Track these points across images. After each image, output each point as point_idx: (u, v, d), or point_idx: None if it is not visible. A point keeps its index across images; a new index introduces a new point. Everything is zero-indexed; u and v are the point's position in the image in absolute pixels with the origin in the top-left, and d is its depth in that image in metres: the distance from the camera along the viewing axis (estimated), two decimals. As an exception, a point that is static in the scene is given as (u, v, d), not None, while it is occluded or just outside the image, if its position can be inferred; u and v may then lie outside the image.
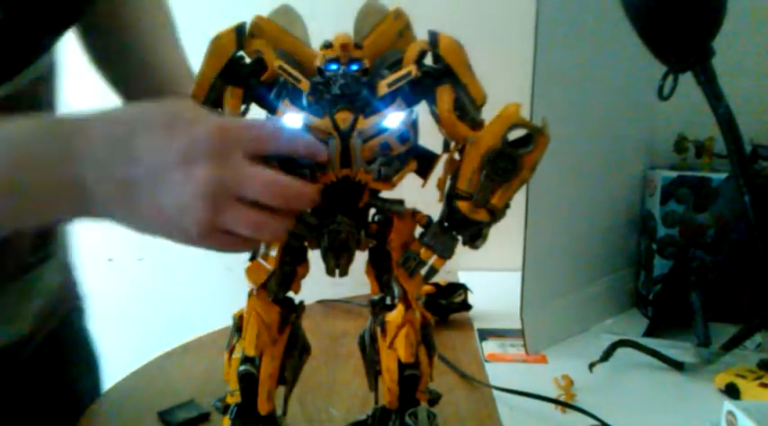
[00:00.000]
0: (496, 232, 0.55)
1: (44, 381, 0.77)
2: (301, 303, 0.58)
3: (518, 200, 0.56)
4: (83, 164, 0.46)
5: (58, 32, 0.65)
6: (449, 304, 1.01)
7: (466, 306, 1.02)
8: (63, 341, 0.80)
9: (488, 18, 1.22)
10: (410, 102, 0.53)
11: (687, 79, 0.69)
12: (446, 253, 0.54)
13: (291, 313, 0.57)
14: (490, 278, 1.17)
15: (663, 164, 1.04)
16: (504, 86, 0.95)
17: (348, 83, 0.50)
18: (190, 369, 0.83)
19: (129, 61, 0.77)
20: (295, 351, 0.58)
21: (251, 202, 0.46)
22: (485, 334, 0.96)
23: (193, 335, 0.93)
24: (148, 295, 1.01)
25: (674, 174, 0.98)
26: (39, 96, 0.67)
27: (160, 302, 1.29)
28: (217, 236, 0.47)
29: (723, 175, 0.96)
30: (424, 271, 0.55)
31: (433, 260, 0.54)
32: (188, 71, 0.80)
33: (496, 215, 0.53)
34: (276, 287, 0.56)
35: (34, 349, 0.74)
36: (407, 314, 0.55)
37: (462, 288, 1.03)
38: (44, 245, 0.75)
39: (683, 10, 0.67)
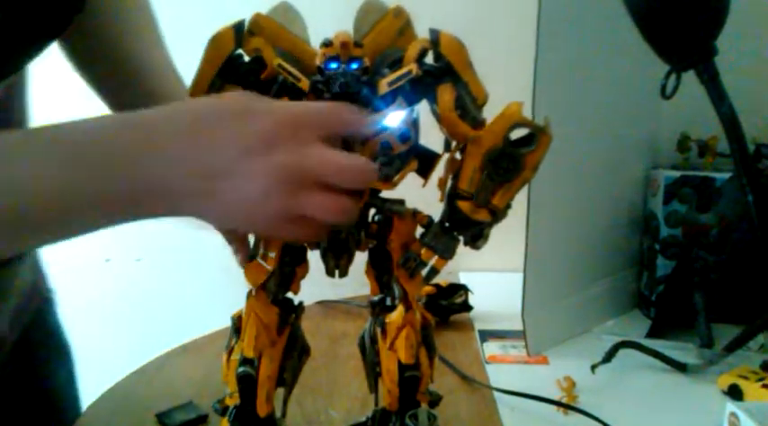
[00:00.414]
0: (498, 232, 0.55)
1: (22, 378, 0.77)
2: (300, 304, 0.58)
3: (519, 200, 0.56)
4: (155, 162, 0.45)
5: (51, 37, 0.65)
6: (449, 305, 1.01)
7: (467, 307, 1.02)
8: (36, 335, 0.80)
9: (490, 16, 1.22)
10: (411, 101, 0.52)
11: (690, 78, 0.69)
12: (447, 254, 0.54)
13: (291, 314, 0.57)
14: (491, 278, 1.16)
15: (665, 164, 1.04)
16: (505, 85, 0.95)
17: (348, 81, 0.50)
18: (188, 371, 0.83)
19: (113, 64, 0.77)
20: (294, 353, 0.58)
21: (326, 186, 0.46)
22: (486, 335, 0.96)
23: (192, 336, 0.93)
24: (146, 296, 1.01)
25: (677, 174, 0.98)
26: (11, 102, 0.67)
27: (158, 303, 1.28)
28: (295, 225, 0.47)
29: (726, 175, 0.96)
30: (424, 272, 0.55)
31: (433, 260, 0.54)
32: (173, 70, 0.80)
33: (498, 215, 0.52)
34: (275, 287, 0.55)
35: (11, 347, 0.74)
36: (408, 315, 0.54)
37: (463, 288, 1.03)
38: None
39: (685, 9, 0.67)
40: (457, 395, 0.77)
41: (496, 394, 0.77)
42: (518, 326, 0.88)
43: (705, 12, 0.67)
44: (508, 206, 0.53)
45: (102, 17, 0.74)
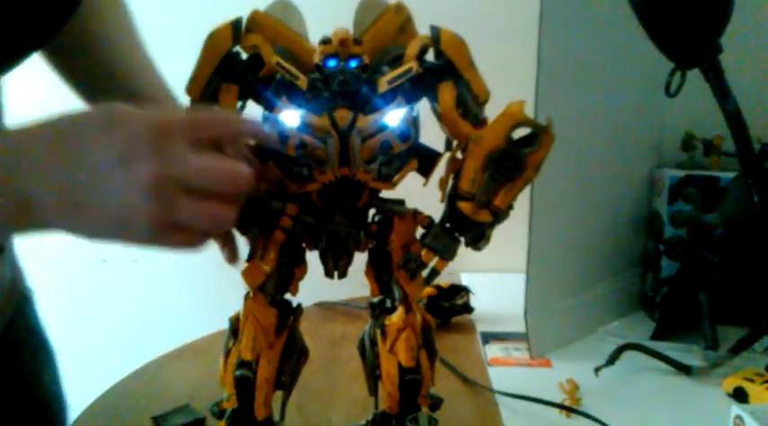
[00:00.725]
0: (499, 233, 0.54)
1: (7, 376, 0.76)
2: (299, 305, 0.57)
3: (522, 201, 0.56)
4: (25, 175, 0.45)
5: (36, 47, 0.64)
6: (451, 306, 1.01)
7: (468, 309, 1.02)
8: (19, 333, 0.79)
9: (491, 14, 1.21)
10: (411, 99, 0.52)
11: (695, 76, 0.69)
12: (448, 255, 0.53)
13: (289, 316, 0.56)
14: (493, 280, 1.16)
15: (670, 163, 1.03)
16: (507, 84, 0.94)
17: (347, 79, 0.50)
18: (185, 373, 0.83)
19: (94, 66, 0.77)
20: (293, 355, 0.57)
21: (198, 193, 0.45)
22: (487, 338, 0.95)
23: (189, 339, 0.92)
24: (143, 297, 1.00)
25: (681, 173, 0.98)
26: None
27: (155, 304, 1.28)
28: (170, 234, 0.46)
29: (732, 174, 0.95)
30: (425, 273, 0.54)
31: (434, 261, 0.53)
32: (154, 70, 0.80)
33: (500, 215, 0.52)
34: (273, 289, 0.55)
35: None
36: (408, 317, 0.54)
37: (464, 290, 1.02)
38: None
39: (690, 6, 0.66)
40: (458, 398, 0.77)
41: (498, 397, 0.77)
42: (520, 328, 0.88)
43: (709, 9, 0.67)
44: (510, 206, 0.52)
45: (81, 19, 0.74)
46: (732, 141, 0.70)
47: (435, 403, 0.58)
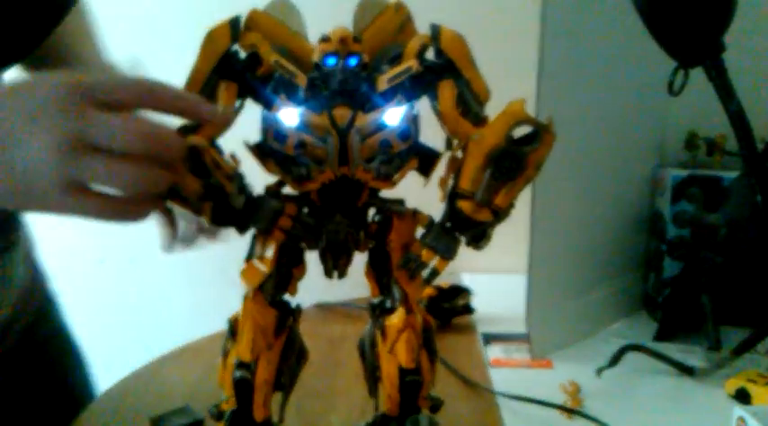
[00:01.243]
0: (501, 233, 0.54)
1: (31, 375, 0.77)
2: (298, 306, 0.57)
3: (523, 201, 0.56)
4: None
5: (19, 58, 0.65)
6: (451, 307, 1.01)
7: (469, 310, 1.02)
8: (42, 335, 0.80)
9: (493, 12, 1.21)
10: (411, 98, 0.51)
11: (698, 74, 0.69)
12: (448, 255, 0.53)
13: (288, 316, 0.56)
14: (494, 280, 1.16)
15: (673, 162, 1.03)
16: (508, 82, 0.94)
17: (346, 78, 0.50)
18: (184, 375, 0.82)
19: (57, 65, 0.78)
20: (292, 356, 0.57)
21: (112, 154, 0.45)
22: (489, 339, 0.95)
23: (187, 340, 0.92)
24: (141, 297, 1.00)
25: (684, 173, 0.98)
26: None
27: (153, 305, 1.28)
28: (79, 196, 0.45)
29: (735, 174, 0.95)
30: (425, 274, 0.54)
31: (434, 261, 0.53)
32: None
33: (500, 215, 0.51)
34: (272, 289, 0.54)
35: (15, 342, 0.74)
36: (408, 317, 0.53)
37: (465, 290, 1.02)
38: (5, 233, 0.74)
39: (693, 4, 0.66)
40: (459, 400, 0.77)
41: (500, 398, 0.77)
42: (522, 329, 0.88)
43: (712, 7, 0.67)
44: (511, 205, 0.52)
45: (56, 51, 0.76)
46: (735, 140, 0.70)
47: (436, 405, 0.58)
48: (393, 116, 0.50)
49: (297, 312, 0.57)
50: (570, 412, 0.73)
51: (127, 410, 0.73)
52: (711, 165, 1.01)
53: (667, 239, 0.99)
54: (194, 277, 1.29)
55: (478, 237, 0.53)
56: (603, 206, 0.98)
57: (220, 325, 0.85)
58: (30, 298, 0.78)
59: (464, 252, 0.54)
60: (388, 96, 0.50)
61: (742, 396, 0.76)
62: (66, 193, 0.45)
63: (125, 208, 0.48)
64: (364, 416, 0.60)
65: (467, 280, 1.09)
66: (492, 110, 0.52)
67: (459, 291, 1.02)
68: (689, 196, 0.97)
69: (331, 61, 0.50)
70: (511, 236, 0.68)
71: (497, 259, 1.11)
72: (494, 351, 0.91)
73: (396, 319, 0.54)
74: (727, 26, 0.68)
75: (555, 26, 0.79)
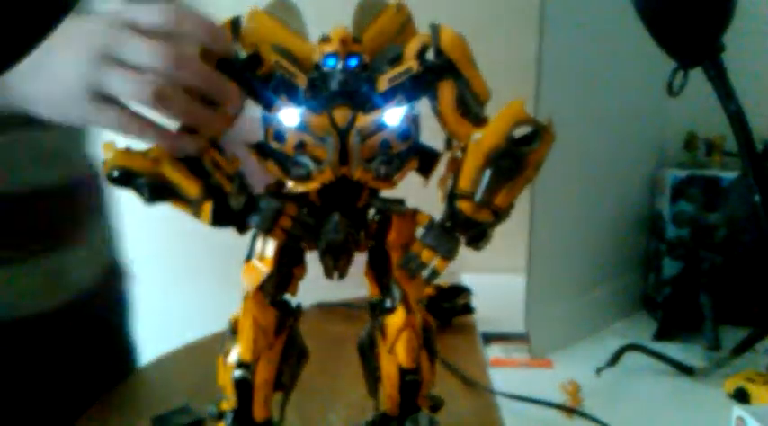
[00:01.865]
0: (500, 233, 0.54)
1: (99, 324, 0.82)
2: (299, 306, 0.57)
3: (522, 201, 0.56)
4: None
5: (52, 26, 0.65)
6: (451, 307, 1.00)
7: (469, 310, 1.01)
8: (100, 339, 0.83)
9: (492, 13, 1.21)
10: (411, 98, 0.51)
11: (698, 75, 0.69)
12: (448, 255, 0.53)
13: (288, 316, 0.56)
14: (494, 280, 1.15)
15: (672, 163, 1.03)
16: (508, 83, 0.94)
17: (347, 78, 0.50)
18: (184, 374, 0.83)
19: None
20: (293, 356, 0.57)
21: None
22: (488, 338, 0.96)
23: (187, 340, 0.92)
24: (141, 298, 1.00)
25: (684, 173, 0.98)
26: None
27: (153, 305, 1.28)
28: (103, 106, 0.51)
29: (734, 174, 0.96)
30: (425, 274, 0.53)
31: (434, 262, 0.53)
32: None
33: (500, 215, 0.51)
34: (273, 289, 0.54)
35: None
36: (408, 317, 0.53)
37: (465, 290, 1.02)
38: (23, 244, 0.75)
39: (693, 5, 0.66)
40: (459, 400, 0.76)
41: (500, 398, 0.77)
42: (521, 329, 0.89)
43: (712, 8, 0.67)
44: (511, 205, 0.52)
45: None
46: (734, 141, 0.70)
47: (436, 405, 0.58)
48: (393, 116, 0.50)
49: (297, 312, 0.57)
50: (570, 411, 0.73)
51: (128, 409, 0.74)
52: (710, 166, 1.01)
53: (667, 239, 0.99)
54: (194, 278, 1.30)
55: (478, 237, 0.53)
56: (603, 206, 0.98)
57: (220, 326, 0.85)
58: (94, 298, 0.79)
59: (464, 253, 0.54)
60: (389, 97, 0.50)
61: (741, 396, 0.76)
62: (92, 102, 0.50)
63: (146, 128, 0.52)
64: (364, 415, 0.60)
65: (467, 280, 1.08)
66: (491, 110, 0.52)
67: (459, 291, 1.01)
68: (688, 196, 0.97)
69: (331, 62, 0.50)
70: (511, 236, 0.68)
71: (497, 259, 1.11)
72: (493, 351, 0.91)
73: (396, 319, 0.54)
74: (727, 27, 0.68)
75: (554, 27, 0.79)
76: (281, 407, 0.57)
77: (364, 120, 0.49)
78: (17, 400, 0.71)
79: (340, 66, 0.50)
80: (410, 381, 0.54)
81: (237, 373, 0.54)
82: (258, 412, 0.54)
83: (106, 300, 0.83)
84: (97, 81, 0.50)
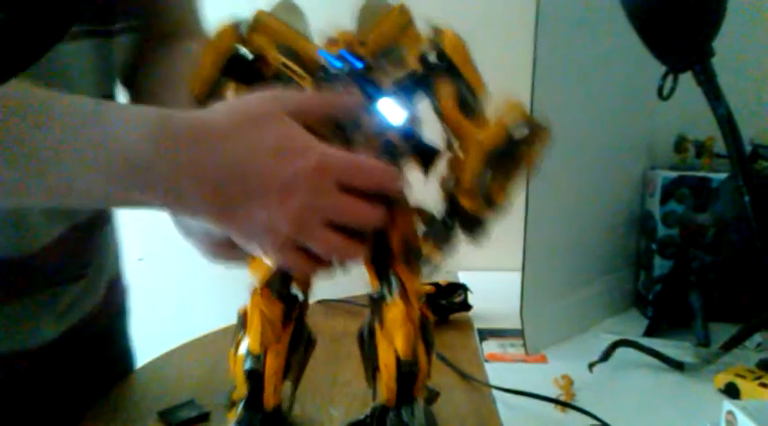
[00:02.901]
0: (497, 232, 0.55)
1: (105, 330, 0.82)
2: (306, 298, 0.58)
3: (517, 201, 0.56)
4: (178, 167, 0.48)
5: (60, 34, 0.65)
6: (449, 304, 1.01)
7: (466, 306, 1.02)
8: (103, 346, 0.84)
9: (488, 16, 1.22)
10: (413, 99, 0.53)
11: (687, 79, 0.70)
12: (448, 249, 0.54)
13: (295, 308, 0.57)
14: (490, 278, 1.16)
15: (663, 164, 1.04)
16: (503, 84, 0.95)
17: (352, 80, 0.50)
18: (190, 369, 0.83)
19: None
20: (300, 346, 0.58)
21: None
22: (485, 334, 0.96)
23: (193, 335, 0.93)
24: (148, 295, 1.01)
25: (673, 174, 0.98)
26: None
27: (160, 302, 1.28)
28: (294, 254, 0.50)
29: (723, 175, 0.96)
30: (425, 267, 0.55)
31: (434, 255, 0.54)
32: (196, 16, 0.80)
33: (499, 211, 0.53)
34: (279, 283, 0.56)
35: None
36: (407, 309, 0.54)
37: (462, 288, 1.03)
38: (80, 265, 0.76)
39: (683, 11, 0.67)
40: (456, 394, 0.77)
41: (495, 392, 0.77)
42: (517, 325, 0.88)
43: (702, 14, 0.68)
44: (509, 201, 0.53)
45: None
46: (724, 143, 0.70)
47: (432, 396, 0.59)
48: (396, 117, 0.52)
49: (304, 304, 0.58)
50: (563, 405, 0.73)
51: (135, 403, 0.74)
52: (700, 167, 1.01)
53: (657, 238, 1.00)
54: (200, 275, 1.30)
55: (476, 232, 0.54)
56: (596, 206, 0.98)
57: (226, 321, 0.86)
58: (97, 316, 0.80)
59: (461, 251, 0.55)
60: (392, 98, 0.52)
61: (731, 391, 0.76)
62: (287, 252, 0.49)
63: (327, 268, 0.52)
64: (364, 409, 0.60)
65: (464, 278, 1.10)
66: (491, 111, 0.53)
67: (456, 288, 1.02)
68: (678, 197, 0.98)
69: (337, 64, 0.51)
70: (506, 236, 0.69)
71: (493, 257, 1.13)
72: (489, 346, 0.92)
73: (394, 311, 0.55)
74: (716, 33, 0.69)
75: (549, 30, 0.80)
76: (291, 395, 0.59)
77: (368, 121, 0.51)
78: (17, 409, 0.71)
79: (346, 68, 0.51)
80: (407, 372, 0.55)
81: (248, 364, 0.55)
82: (268, 401, 0.55)
83: (107, 314, 0.83)
84: (296, 239, 0.49)
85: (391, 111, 0.51)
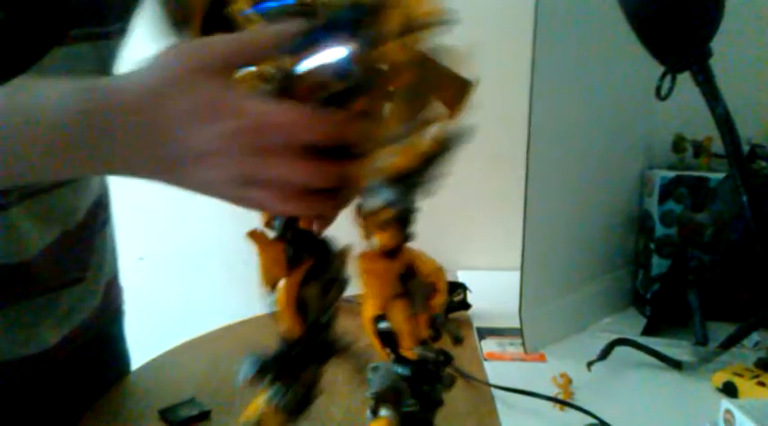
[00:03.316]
0: (496, 232, 0.55)
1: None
2: (325, 239, 0.56)
3: (517, 200, 0.56)
4: (117, 142, 0.47)
5: (62, 35, 0.65)
6: (448, 303, 1.01)
7: (465, 306, 1.03)
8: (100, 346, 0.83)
9: (487, 15, 1.22)
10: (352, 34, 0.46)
11: (685, 79, 0.70)
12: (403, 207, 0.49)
13: (304, 251, 0.54)
14: (489, 277, 1.16)
15: (661, 164, 1.04)
16: (503, 85, 0.96)
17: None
18: (191, 368, 0.83)
19: None
20: (315, 283, 0.55)
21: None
22: (484, 333, 0.96)
23: (194, 334, 0.93)
24: (149, 294, 1.01)
25: (672, 174, 0.98)
26: None
27: (161, 301, 1.29)
28: (264, 195, 0.47)
29: (721, 175, 0.96)
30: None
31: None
32: None
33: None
34: (282, 226, 0.53)
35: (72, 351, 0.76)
36: (371, 261, 0.50)
37: (461, 287, 1.03)
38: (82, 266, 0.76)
39: (681, 11, 0.67)
40: (455, 392, 0.75)
41: (494, 390, 0.78)
42: (516, 324, 0.88)
43: (701, 14, 0.68)
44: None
45: None
46: (721, 142, 0.70)
47: (442, 361, 0.55)
48: (335, 53, 0.45)
49: (323, 243, 0.55)
50: (562, 403, 0.74)
51: (136, 402, 0.74)
52: (698, 167, 1.02)
53: (655, 238, 1.00)
54: (201, 274, 1.30)
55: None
56: (594, 205, 0.99)
57: (226, 320, 0.87)
58: (95, 320, 0.80)
59: (461, 251, 0.55)
60: (330, 34, 0.46)
61: (729, 390, 0.76)
62: (246, 188, 0.47)
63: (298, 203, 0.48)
64: (364, 407, 0.60)
65: (463, 277, 1.10)
66: (487, 112, 0.53)
67: (456, 288, 1.02)
68: (676, 196, 0.98)
69: (271, 3, 0.50)
70: (505, 235, 0.69)
71: (492, 257, 1.13)
72: (488, 345, 0.92)
73: (363, 261, 0.51)
74: (714, 33, 0.69)
75: (548, 32, 0.80)
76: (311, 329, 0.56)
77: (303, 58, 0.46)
78: (16, 414, 0.71)
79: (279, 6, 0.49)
80: (382, 330, 0.52)
81: (269, 301, 0.53)
82: (292, 332, 0.53)
83: (106, 316, 0.83)
84: (242, 196, 0.47)
85: (330, 49, 0.45)
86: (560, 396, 0.75)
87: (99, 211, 0.79)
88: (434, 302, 0.54)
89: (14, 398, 0.71)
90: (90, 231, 0.77)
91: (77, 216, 0.73)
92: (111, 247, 0.83)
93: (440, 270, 0.54)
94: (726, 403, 0.65)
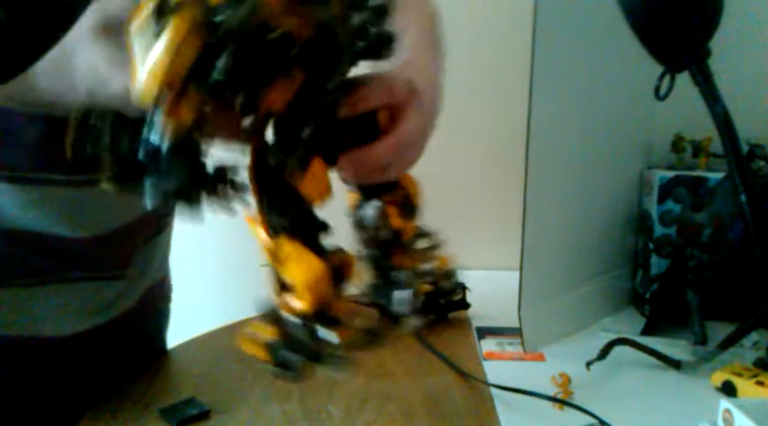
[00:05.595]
0: (495, 231, 0.55)
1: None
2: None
3: (517, 200, 0.56)
4: None
5: (61, 35, 0.65)
6: (447, 302, 1.02)
7: (464, 305, 1.03)
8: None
9: (487, 15, 1.22)
10: None
11: (684, 79, 0.70)
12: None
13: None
14: (488, 277, 1.16)
15: (660, 164, 1.04)
16: (502, 85, 0.96)
17: None
18: (190, 367, 0.84)
19: None
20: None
21: None
22: (483, 333, 0.97)
23: (193, 334, 0.93)
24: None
25: (671, 174, 0.99)
26: None
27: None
28: None
29: (720, 175, 0.97)
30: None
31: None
32: None
33: None
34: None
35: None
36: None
37: (461, 286, 1.03)
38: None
39: (680, 10, 0.67)
40: (455, 391, 0.78)
41: (493, 390, 0.78)
42: (515, 324, 0.89)
43: (700, 13, 0.68)
44: None
45: None
46: (720, 142, 0.70)
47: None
48: None
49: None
50: (561, 403, 0.74)
51: (135, 401, 0.74)
52: (697, 167, 1.02)
53: (654, 237, 1.00)
54: (200, 274, 1.30)
55: None
56: (593, 205, 0.99)
57: (225, 321, 0.86)
58: (134, 315, 0.82)
59: (461, 251, 0.55)
60: None
61: (728, 389, 0.76)
62: None
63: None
64: (363, 406, 0.60)
65: (462, 277, 1.08)
66: (486, 111, 0.53)
67: (455, 287, 1.03)
68: (675, 196, 0.98)
69: None
70: (504, 234, 0.69)
71: (492, 256, 1.13)
72: (488, 345, 0.92)
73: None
74: (713, 33, 0.69)
75: (547, 31, 0.80)
76: None
77: None
78: (27, 398, 0.73)
79: None
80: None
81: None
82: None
83: (146, 314, 0.85)
84: None
85: None
86: (559, 396, 0.75)
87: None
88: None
89: (25, 381, 0.72)
90: (142, 235, 0.80)
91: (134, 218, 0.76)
92: (161, 253, 0.86)
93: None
94: (725, 402, 0.65)
